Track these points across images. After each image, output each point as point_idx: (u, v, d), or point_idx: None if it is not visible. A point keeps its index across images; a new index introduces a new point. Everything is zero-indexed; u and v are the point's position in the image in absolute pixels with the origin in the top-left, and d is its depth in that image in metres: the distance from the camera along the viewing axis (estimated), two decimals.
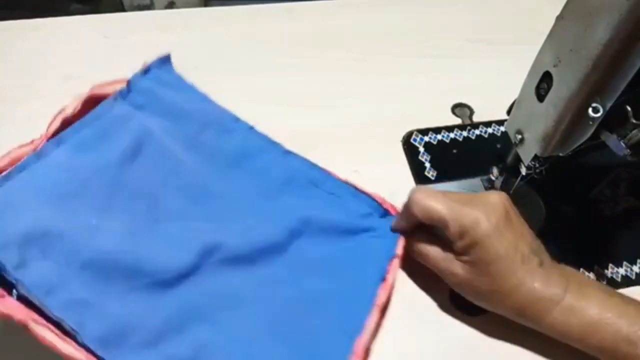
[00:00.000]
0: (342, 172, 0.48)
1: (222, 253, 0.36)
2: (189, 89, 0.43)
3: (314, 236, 0.39)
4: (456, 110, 0.55)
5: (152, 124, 0.39)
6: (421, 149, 0.50)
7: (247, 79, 0.57)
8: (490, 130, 0.52)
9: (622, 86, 0.31)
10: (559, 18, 0.34)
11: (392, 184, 0.47)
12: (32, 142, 0.36)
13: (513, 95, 0.40)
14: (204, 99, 0.43)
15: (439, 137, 0.51)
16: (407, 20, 0.66)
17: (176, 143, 0.40)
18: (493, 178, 0.45)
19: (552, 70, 0.34)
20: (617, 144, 0.33)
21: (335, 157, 0.50)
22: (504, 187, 0.45)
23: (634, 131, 0.33)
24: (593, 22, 0.31)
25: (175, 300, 0.33)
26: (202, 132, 0.42)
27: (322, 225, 0.39)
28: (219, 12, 0.67)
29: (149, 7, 1.31)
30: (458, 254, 0.36)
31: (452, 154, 0.50)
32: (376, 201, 0.41)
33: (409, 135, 0.51)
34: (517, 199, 0.43)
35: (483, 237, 0.34)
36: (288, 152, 0.44)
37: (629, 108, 0.32)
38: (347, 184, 0.42)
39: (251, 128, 0.44)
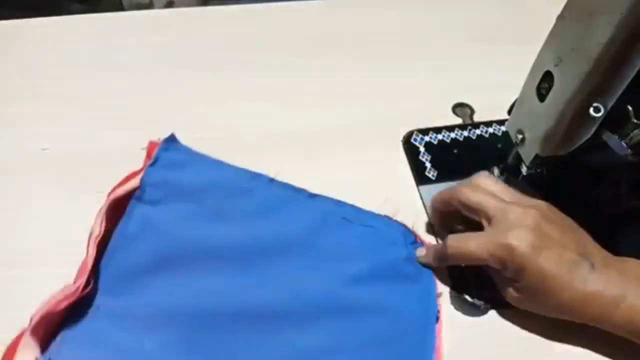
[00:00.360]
0: (343, 171, 0.48)
1: (285, 316, 0.36)
2: (200, 160, 0.43)
3: (364, 279, 0.39)
4: (457, 110, 0.55)
5: (174, 216, 0.39)
6: (422, 149, 0.50)
7: (246, 79, 0.57)
8: (491, 130, 0.52)
9: (623, 86, 0.31)
10: (560, 18, 0.34)
11: (393, 184, 0.47)
12: (76, 288, 0.34)
13: (514, 94, 0.40)
14: (217, 164, 0.43)
15: (440, 137, 0.51)
16: (407, 20, 0.66)
17: (203, 223, 0.40)
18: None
19: (553, 70, 0.34)
20: (618, 144, 0.33)
21: (335, 157, 0.50)
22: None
23: (635, 131, 0.33)
24: (594, 22, 0.31)
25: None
26: (225, 202, 0.41)
27: (369, 266, 0.39)
28: (218, 11, 0.67)
29: (148, 6, 1.31)
30: (512, 280, 0.36)
31: (452, 153, 0.50)
32: (406, 227, 0.42)
33: (409, 135, 0.51)
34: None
35: (523, 262, 0.34)
36: (314, 196, 0.43)
37: (630, 108, 0.32)
38: (377, 214, 0.43)
39: (271, 180, 0.43)
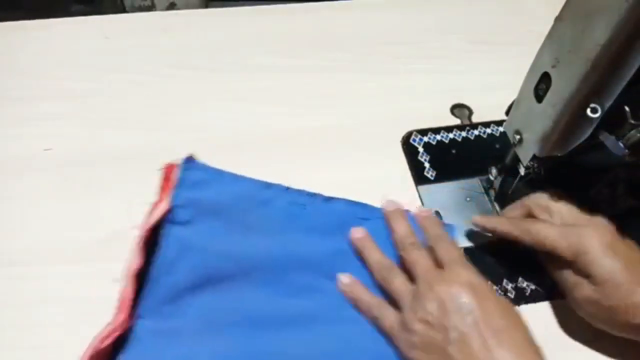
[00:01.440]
0: (342, 172, 0.48)
1: (321, 319, 0.38)
2: (219, 176, 0.44)
3: None
4: (455, 111, 0.55)
5: (205, 234, 0.40)
6: (420, 149, 0.51)
7: (247, 80, 0.57)
8: (489, 130, 0.53)
9: (621, 87, 0.31)
10: (558, 19, 0.34)
11: (392, 184, 0.48)
12: (119, 323, 0.34)
13: (512, 95, 0.40)
14: (234, 178, 0.44)
15: (438, 137, 0.52)
16: (407, 21, 0.66)
17: (233, 237, 0.41)
18: (492, 178, 0.45)
19: (551, 71, 0.35)
20: (615, 145, 0.33)
21: (334, 157, 0.50)
22: (503, 188, 0.45)
23: (632, 131, 0.33)
24: (591, 23, 0.31)
25: None
26: (248, 215, 0.42)
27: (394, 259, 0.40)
28: (220, 13, 0.67)
29: (150, 8, 1.31)
30: (578, 273, 0.36)
31: (451, 154, 0.51)
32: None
33: (408, 136, 0.52)
34: (516, 199, 0.44)
35: (597, 252, 0.35)
36: (329, 199, 0.44)
37: (627, 108, 0.33)
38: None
39: (287, 189, 0.44)
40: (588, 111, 0.33)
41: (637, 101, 0.32)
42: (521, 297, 0.42)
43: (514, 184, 0.43)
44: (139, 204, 0.45)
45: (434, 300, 0.34)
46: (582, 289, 0.36)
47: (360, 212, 0.43)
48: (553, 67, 0.34)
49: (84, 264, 0.41)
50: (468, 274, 0.35)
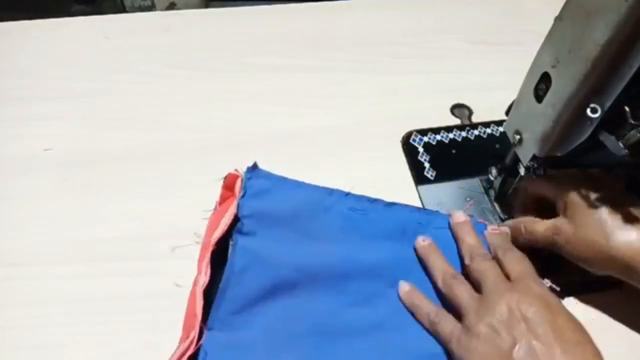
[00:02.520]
0: (342, 171, 0.48)
1: (390, 326, 0.38)
2: (281, 183, 0.44)
3: None
4: (455, 111, 0.55)
5: (273, 243, 0.40)
6: (420, 149, 0.51)
7: (247, 80, 0.57)
8: (489, 130, 0.53)
9: (620, 87, 0.31)
10: (558, 19, 0.34)
11: (392, 184, 0.48)
12: (191, 341, 0.34)
13: (512, 96, 0.40)
14: (297, 185, 0.44)
15: (438, 137, 0.52)
16: (407, 21, 0.66)
17: (299, 246, 0.40)
18: (492, 178, 0.45)
19: (551, 71, 0.35)
20: (615, 145, 0.33)
21: (334, 157, 0.50)
22: (503, 187, 0.45)
23: (632, 132, 0.33)
24: (591, 23, 0.31)
25: None
26: (313, 222, 0.42)
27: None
28: (220, 12, 0.67)
29: (150, 8, 1.31)
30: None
31: (451, 154, 0.51)
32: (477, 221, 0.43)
33: (408, 136, 0.52)
34: (516, 199, 0.44)
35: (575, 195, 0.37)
36: (390, 204, 0.44)
37: (627, 108, 0.33)
38: (442, 213, 0.44)
39: (347, 194, 0.44)
40: (588, 111, 0.33)
41: (637, 101, 0.32)
42: None
43: (514, 184, 0.43)
44: (138, 204, 0.45)
45: (503, 306, 0.33)
46: (564, 231, 0.37)
47: (423, 218, 0.43)
48: (553, 67, 0.34)
49: (84, 264, 0.41)
50: (540, 287, 0.34)
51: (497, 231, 0.41)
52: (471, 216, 0.43)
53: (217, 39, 0.62)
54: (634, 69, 0.30)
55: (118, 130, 0.51)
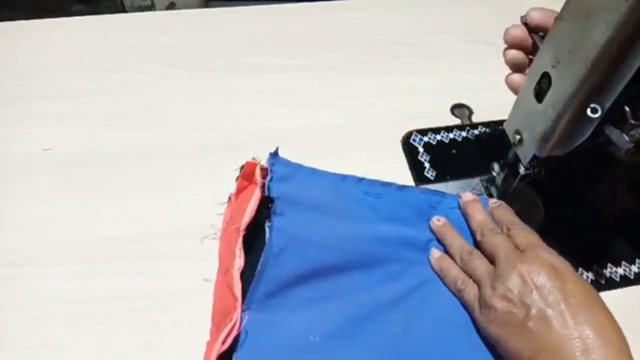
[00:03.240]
0: (342, 171, 0.48)
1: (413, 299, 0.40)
2: (300, 170, 0.45)
3: None
4: (455, 111, 0.55)
5: (304, 225, 0.41)
6: (420, 149, 0.51)
7: (247, 80, 0.57)
8: (489, 130, 0.53)
9: (621, 87, 0.31)
10: (558, 19, 0.34)
11: None
12: (234, 323, 0.35)
13: (512, 96, 0.40)
14: (313, 172, 0.45)
15: (438, 137, 0.52)
16: (407, 20, 0.66)
17: (323, 227, 0.41)
18: (494, 174, 0.45)
19: (551, 71, 0.35)
20: (620, 137, 0.33)
21: (334, 157, 0.50)
22: (504, 187, 0.45)
23: (633, 131, 0.33)
24: (592, 23, 0.31)
25: None
26: (330, 206, 0.43)
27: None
28: (220, 12, 0.67)
29: (150, 7, 1.31)
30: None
31: (451, 154, 0.51)
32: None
33: (408, 136, 0.52)
34: (516, 199, 0.44)
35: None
36: (403, 187, 0.45)
37: (627, 108, 0.33)
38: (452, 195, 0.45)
39: (361, 180, 0.45)
40: (588, 111, 0.33)
41: (637, 101, 0.32)
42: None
43: (514, 184, 0.43)
44: (138, 204, 0.45)
45: (515, 277, 0.35)
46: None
47: (433, 200, 0.44)
48: (553, 67, 0.34)
49: (84, 264, 0.41)
50: (549, 255, 0.36)
51: (497, 204, 0.43)
52: (479, 194, 0.44)
53: (217, 39, 0.62)
54: (634, 69, 0.30)
55: (118, 130, 0.51)
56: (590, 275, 0.43)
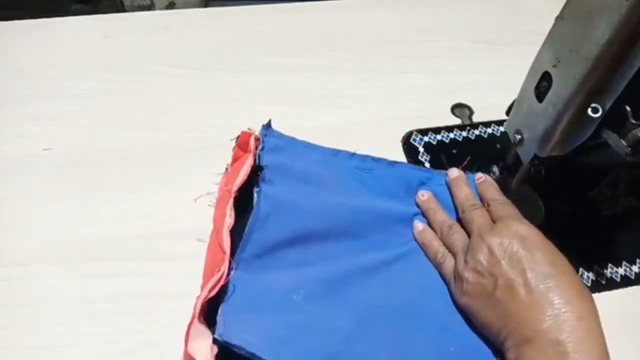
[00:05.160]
0: None
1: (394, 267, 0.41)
2: (292, 143, 0.46)
3: None
4: (456, 111, 0.55)
5: (292, 193, 0.42)
6: (421, 149, 0.50)
7: (247, 79, 0.57)
8: (489, 130, 0.53)
9: (621, 86, 0.31)
10: (559, 18, 0.34)
11: None
12: (222, 275, 0.35)
13: (512, 95, 0.40)
14: (306, 145, 0.47)
15: (439, 137, 0.52)
16: (407, 20, 0.66)
17: (313, 197, 0.42)
18: (493, 176, 0.45)
19: (552, 71, 0.35)
20: (618, 142, 0.33)
21: None
22: (504, 187, 0.45)
23: (633, 131, 0.33)
24: (592, 23, 0.31)
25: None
26: (322, 178, 0.44)
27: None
28: (219, 12, 0.67)
29: (149, 7, 1.31)
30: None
31: (451, 154, 0.50)
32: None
33: (408, 136, 0.51)
34: (516, 199, 0.44)
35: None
36: (393, 163, 0.47)
37: (628, 108, 0.33)
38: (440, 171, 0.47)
39: (353, 155, 0.47)
40: (589, 111, 0.33)
41: (638, 101, 0.32)
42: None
43: (514, 184, 0.43)
44: (138, 204, 0.45)
45: (485, 250, 0.36)
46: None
47: (423, 176, 0.46)
48: (554, 66, 0.34)
49: (84, 264, 0.41)
50: (519, 226, 0.36)
51: (482, 179, 0.43)
52: (465, 172, 0.45)
53: (217, 38, 0.62)
54: (635, 69, 0.30)
55: (117, 130, 0.51)
56: (591, 276, 0.43)
